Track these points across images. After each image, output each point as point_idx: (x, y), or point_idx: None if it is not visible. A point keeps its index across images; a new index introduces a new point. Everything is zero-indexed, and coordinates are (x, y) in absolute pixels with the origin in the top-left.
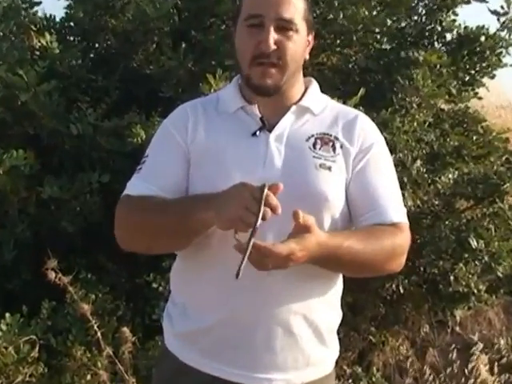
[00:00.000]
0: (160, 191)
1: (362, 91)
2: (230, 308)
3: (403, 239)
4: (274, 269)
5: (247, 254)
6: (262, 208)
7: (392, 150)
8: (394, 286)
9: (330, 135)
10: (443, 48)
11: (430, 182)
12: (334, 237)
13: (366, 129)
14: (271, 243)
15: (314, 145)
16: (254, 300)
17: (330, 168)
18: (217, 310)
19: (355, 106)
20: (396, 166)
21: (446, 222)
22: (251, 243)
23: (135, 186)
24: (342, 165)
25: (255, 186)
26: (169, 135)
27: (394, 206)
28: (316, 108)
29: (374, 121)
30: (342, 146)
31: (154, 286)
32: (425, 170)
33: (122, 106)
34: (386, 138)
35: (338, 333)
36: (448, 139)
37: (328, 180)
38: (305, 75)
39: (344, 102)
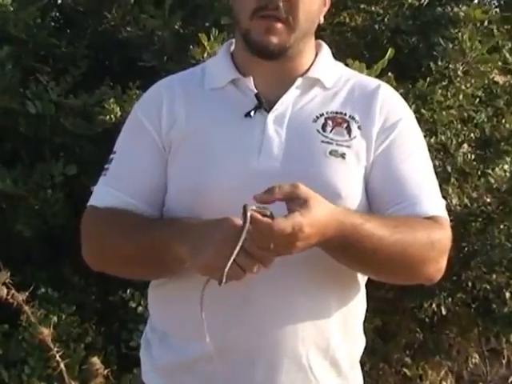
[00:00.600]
0: (132, 200)
1: (390, 52)
2: (222, 336)
3: (443, 235)
4: (275, 254)
5: (235, 253)
6: (241, 242)
7: (431, 132)
8: (434, 305)
9: (345, 114)
10: (494, 2)
11: (480, 174)
12: (351, 213)
13: (390, 102)
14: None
15: (324, 126)
16: (253, 325)
17: (343, 155)
18: (202, 344)
19: (382, 75)
20: (437, 151)
21: (501, 226)
22: (241, 241)
23: (101, 195)
24: (359, 151)
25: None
26: (139, 126)
27: (429, 196)
28: (327, 80)
29: (408, 94)
30: (359, 128)
31: (132, 305)
32: (473, 158)
33: (91, 79)
34: (423, 116)
35: (363, 364)
36: (503, 120)
37: (341, 171)
38: (318, 38)
39: (369, 69)
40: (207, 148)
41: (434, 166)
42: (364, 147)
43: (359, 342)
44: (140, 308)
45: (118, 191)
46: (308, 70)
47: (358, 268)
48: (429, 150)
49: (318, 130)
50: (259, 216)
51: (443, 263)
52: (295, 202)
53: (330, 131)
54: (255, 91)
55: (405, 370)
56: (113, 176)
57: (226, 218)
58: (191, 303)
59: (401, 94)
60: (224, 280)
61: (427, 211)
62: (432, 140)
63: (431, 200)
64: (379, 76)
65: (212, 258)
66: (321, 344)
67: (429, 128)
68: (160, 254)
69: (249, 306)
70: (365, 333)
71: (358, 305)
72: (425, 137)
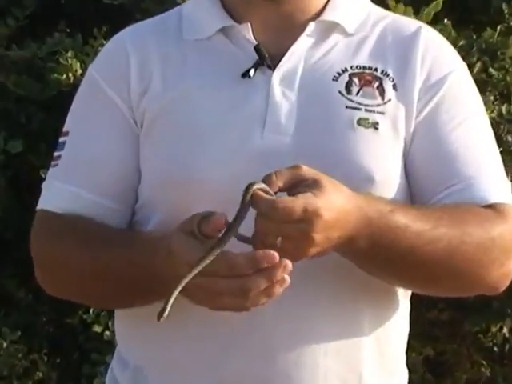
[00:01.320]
0: (97, 197)
1: None
2: (219, 376)
3: (507, 229)
4: (286, 248)
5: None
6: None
7: (503, 97)
8: (505, 329)
9: (375, 69)
10: None
11: None
12: (375, 199)
13: (435, 50)
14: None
15: (349, 86)
16: (260, 354)
17: (375, 125)
18: (198, 378)
19: (436, 22)
20: (509, 122)
21: None
22: (217, 248)
23: (54, 194)
24: (396, 118)
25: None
26: (99, 95)
27: (489, 177)
28: (349, 23)
29: (471, 47)
30: (394, 87)
31: (97, 329)
32: None
33: (41, 23)
34: (492, 77)
35: None
36: None
37: (373, 146)
38: None
39: (417, 15)
40: (193, 121)
41: (505, 142)
42: (402, 113)
43: (400, 378)
44: (107, 333)
45: (76, 187)
46: (322, 11)
47: (392, 276)
48: (498, 121)
49: (340, 92)
50: (261, 193)
51: (510, 266)
52: (301, 186)
53: (357, 93)
54: (254, 42)
55: None
56: (67, 166)
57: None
58: (178, 324)
59: (461, 48)
60: (166, 312)
61: (486, 197)
62: (503, 109)
63: (492, 182)
64: (432, 23)
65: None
66: (349, 380)
67: (499, 92)
68: (134, 289)
69: (254, 330)
70: (412, 366)
71: (399, 328)
72: (493, 103)
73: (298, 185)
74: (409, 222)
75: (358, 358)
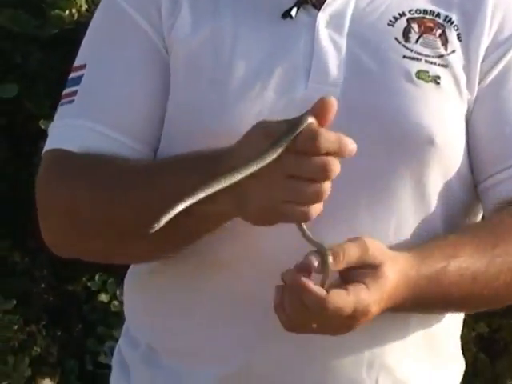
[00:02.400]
0: (121, 136)
1: None
2: (246, 360)
3: None
4: (317, 332)
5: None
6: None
7: None
8: None
9: (437, 14)
10: None
11: None
12: (427, 256)
13: None
14: (323, 289)
15: (407, 33)
16: (294, 343)
17: (436, 79)
18: (222, 362)
19: None
20: None
21: None
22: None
23: (70, 132)
24: (460, 73)
25: (293, 122)
26: (124, 21)
27: None
28: None
29: None
30: (459, 37)
31: (103, 298)
32: None
33: None
34: None
35: None
36: None
37: (434, 103)
38: None
39: None
40: (225, 67)
41: None
42: (466, 70)
43: (454, 368)
44: (115, 303)
45: (97, 123)
46: None
47: (441, 313)
48: None
49: (397, 39)
50: (310, 285)
51: None
52: (360, 271)
53: (416, 41)
54: None
55: None
56: (85, 102)
57: (254, 129)
58: (201, 300)
59: None
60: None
61: None
62: None
63: None
64: None
65: (281, 191)
66: (397, 372)
67: None
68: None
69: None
70: (463, 344)
71: (453, 319)
72: None
73: (357, 268)
74: (462, 270)
75: (406, 347)
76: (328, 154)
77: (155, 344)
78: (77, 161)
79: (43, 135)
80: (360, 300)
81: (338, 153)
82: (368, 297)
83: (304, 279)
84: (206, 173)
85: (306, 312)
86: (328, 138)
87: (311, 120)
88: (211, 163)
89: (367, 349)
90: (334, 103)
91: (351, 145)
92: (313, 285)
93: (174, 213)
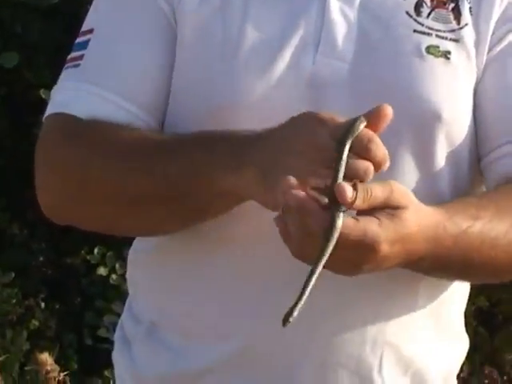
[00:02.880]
0: (129, 104)
1: None
2: (249, 338)
3: None
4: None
5: (314, 277)
6: (342, 169)
7: None
8: None
9: None
10: None
11: None
12: (455, 212)
13: None
14: None
15: (418, 7)
16: (301, 319)
17: (447, 54)
18: (225, 340)
19: None
20: None
21: None
22: (324, 257)
23: (75, 97)
24: (471, 48)
25: (339, 123)
26: None
27: None
28: None
29: None
30: (471, 11)
31: (102, 271)
32: None
33: None
34: None
35: (459, 373)
36: None
37: (444, 79)
38: None
39: None
40: (234, 40)
41: None
42: (476, 43)
43: (459, 346)
44: (114, 277)
45: (106, 90)
46: None
47: (458, 280)
48: None
49: (408, 13)
50: (313, 205)
51: None
52: (380, 210)
53: (428, 15)
54: None
55: None
56: (92, 66)
57: (307, 114)
58: (208, 285)
59: None
60: (292, 317)
61: None
62: None
63: None
64: None
65: (298, 171)
66: (402, 349)
67: None
68: (195, 186)
69: (288, 289)
70: (464, 319)
71: (458, 286)
72: None
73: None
74: (484, 233)
75: (412, 324)
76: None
77: (158, 321)
78: (87, 127)
79: (43, 106)
80: (368, 230)
81: (378, 164)
82: (378, 230)
83: (308, 200)
84: (236, 150)
85: (311, 236)
86: (381, 148)
87: (365, 123)
88: (243, 146)
89: (371, 325)
90: (389, 112)
91: (386, 163)
92: (317, 206)
93: (304, 298)
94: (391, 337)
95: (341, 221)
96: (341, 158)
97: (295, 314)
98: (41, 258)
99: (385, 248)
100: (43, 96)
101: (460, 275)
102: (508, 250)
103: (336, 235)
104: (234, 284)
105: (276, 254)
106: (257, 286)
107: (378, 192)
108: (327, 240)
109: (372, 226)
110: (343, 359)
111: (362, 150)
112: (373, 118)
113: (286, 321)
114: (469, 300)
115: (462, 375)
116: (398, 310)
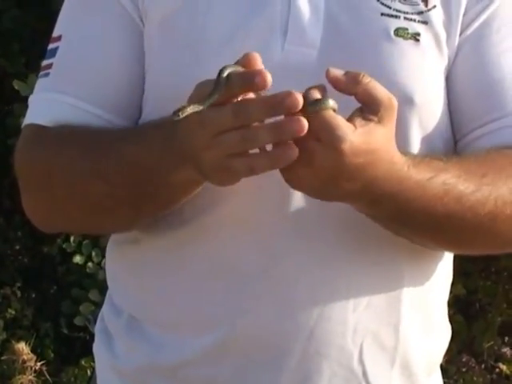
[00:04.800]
0: (96, 109)
1: None
2: (230, 329)
3: None
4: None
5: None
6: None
7: None
8: None
9: None
10: None
11: None
12: (419, 162)
13: None
14: None
15: None
16: (277, 308)
17: (416, 36)
18: (205, 331)
19: None
20: None
21: None
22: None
23: (46, 106)
24: (441, 30)
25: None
26: None
27: None
28: None
29: None
30: None
31: (78, 260)
32: None
33: None
34: None
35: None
36: None
37: (414, 61)
38: None
39: None
40: (199, 29)
41: None
42: (446, 25)
43: (443, 335)
44: (90, 265)
45: (73, 98)
46: None
47: (422, 240)
48: None
49: None
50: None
51: None
52: (365, 111)
53: None
54: None
55: (501, 365)
56: (61, 75)
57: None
58: (183, 270)
59: None
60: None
61: None
62: None
63: None
64: None
65: (212, 144)
66: (384, 338)
67: None
68: (150, 186)
69: (271, 277)
70: None
71: (442, 275)
72: None
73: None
74: (450, 185)
75: (396, 312)
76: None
77: (138, 313)
78: (52, 134)
79: (17, 96)
80: (342, 127)
81: (248, 88)
82: (350, 132)
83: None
84: (169, 147)
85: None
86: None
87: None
88: (171, 137)
89: (352, 315)
90: (257, 57)
91: (260, 76)
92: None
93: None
94: (372, 326)
95: None
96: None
97: (185, 113)
98: (17, 247)
99: (348, 152)
100: (16, 87)
101: (424, 229)
102: (477, 207)
103: None
104: (211, 276)
105: (254, 245)
106: (235, 277)
107: (380, 89)
108: None
109: (347, 127)
110: (324, 349)
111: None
112: (244, 64)
113: (176, 113)
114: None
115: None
116: (379, 300)
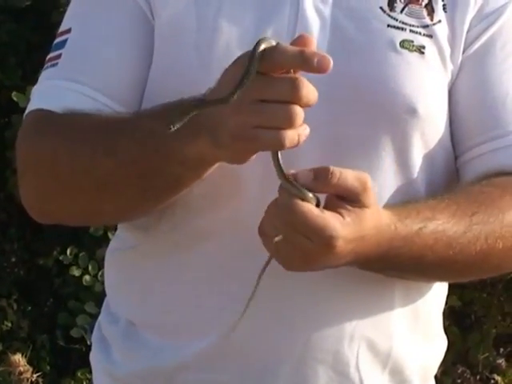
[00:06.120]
0: (106, 98)
1: None
2: (226, 334)
3: None
4: (277, 253)
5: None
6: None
7: None
8: None
9: None
10: None
11: None
12: (406, 216)
13: None
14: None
15: (392, 2)
16: (274, 315)
17: (421, 49)
18: (201, 336)
19: None
20: None
21: None
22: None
23: (53, 93)
24: (445, 44)
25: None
26: None
27: None
28: None
29: None
30: (444, 8)
31: (75, 272)
32: None
33: None
34: None
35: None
36: None
37: (418, 73)
38: None
39: None
40: (208, 32)
41: None
42: (450, 41)
43: (437, 344)
44: (87, 278)
45: (83, 85)
46: None
47: (413, 280)
48: None
49: (382, 8)
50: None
51: None
52: (347, 204)
53: (402, 10)
54: None
55: (496, 377)
56: (69, 64)
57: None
58: (180, 275)
59: None
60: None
61: None
62: None
63: None
64: None
65: (245, 116)
66: (379, 345)
67: None
68: (159, 161)
69: (268, 287)
70: None
71: (435, 289)
72: None
73: (345, 198)
74: (439, 233)
75: (390, 321)
76: (295, 70)
77: (135, 319)
78: (58, 118)
79: (16, 108)
80: (330, 223)
81: (304, 66)
82: (339, 226)
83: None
84: (187, 125)
85: (276, 216)
86: (283, 50)
87: (268, 42)
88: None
89: (348, 322)
90: (310, 39)
91: (319, 58)
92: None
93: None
94: (368, 333)
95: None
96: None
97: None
98: (13, 259)
99: (340, 245)
100: (15, 99)
101: (415, 273)
102: (468, 249)
103: None
104: (208, 281)
105: (251, 251)
106: (232, 283)
107: (349, 177)
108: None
109: (335, 221)
110: (321, 355)
111: (266, 68)
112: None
113: (169, 124)
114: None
115: (435, 374)
116: (375, 308)
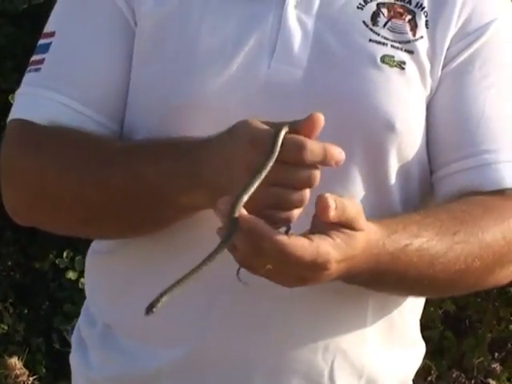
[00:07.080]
0: (87, 109)
1: None
2: (200, 343)
3: None
4: (269, 277)
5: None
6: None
7: None
8: None
9: (409, 1)
10: None
11: None
12: (393, 231)
13: None
14: (284, 235)
15: (375, 17)
16: (248, 323)
17: (401, 65)
18: (176, 344)
19: None
20: None
21: None
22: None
23: (35, 103)
24: (425, 60)
25: (272, 128)
26: None
27: (510, 155)
28: None
29: None
30: (427, 24)
31: (71, 275)
32: None
33: None
34: None
35: (427, 371)
36: None
37: (397, 89)
38: None
39: None
40: (190, 40)
41: None
42: (430, 57)
43: (415, 351)
44: (83, 281)
45: (66, 97)
46: None
47: (397, 294)
48: None
49: (364, 23)
50: (268, 230)
51: None
52: (336, 227)
53: (385, 25)
54: None
55: (491, 381)
56: (54, 72)
57: (244, 122)
58: (156, 282)
59: None
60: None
61: (499, 181)
62: None
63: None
64: None
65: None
66: (353, 356)
67: None
68: (152, 199)
69: (238, 293)
70: (430, 322)
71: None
72: None
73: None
74: (424, 250)
75: (363, 329)
76: (313, 164)
77: (112, 323)
78: (43, 133)
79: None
80: (322, 250)
81: (323, 163)
82: (330, 250)
83: (262, 224)
84: (187, 170)
85: (263, 256)
86: (313, 150)
87: (287, 130)
88: (192, 161)
89: (323, 332)
90: (321, 120)
91: (339, 155)
92: (271, 230)
93: (174, 294)
94: (342, 344)
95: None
96: (260, 170)
97: (159, 304)
98: (9, 263)
99: (334, 266)
100: (12, 101)
101: (394, 289)
102: (448, 268)
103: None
104: (180, 297)
105: (228, 259)
106: (208, 291)
107: (347, 209)
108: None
109: (325, 246)
110: (295, 365)
111: (291, 159)
112: (305, 126)
113: (149, 309)
114: (436, 304)
115: (429, 379)
116: (349, 319)
